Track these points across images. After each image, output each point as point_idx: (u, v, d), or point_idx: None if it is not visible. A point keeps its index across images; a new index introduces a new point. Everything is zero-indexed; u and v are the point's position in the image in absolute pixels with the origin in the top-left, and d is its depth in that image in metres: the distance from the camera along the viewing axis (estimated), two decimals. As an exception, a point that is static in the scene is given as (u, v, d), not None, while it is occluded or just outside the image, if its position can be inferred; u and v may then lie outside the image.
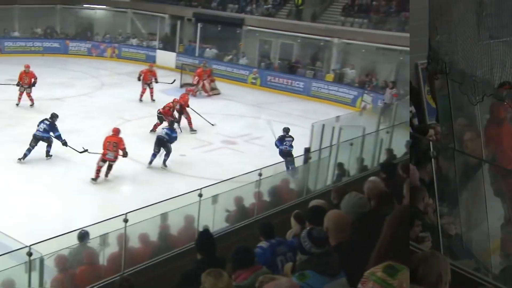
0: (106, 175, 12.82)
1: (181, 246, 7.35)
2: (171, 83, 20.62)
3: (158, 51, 27.91)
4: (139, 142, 15.25)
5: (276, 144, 13.46)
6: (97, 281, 6.52)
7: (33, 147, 13.47)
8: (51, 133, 13.72)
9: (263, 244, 5.28)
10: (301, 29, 25.01)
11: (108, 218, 6.88)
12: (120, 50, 28.84)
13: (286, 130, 13.52)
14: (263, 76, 24.79)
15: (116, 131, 13.10)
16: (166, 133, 13.91)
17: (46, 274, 6.12)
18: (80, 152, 13.29)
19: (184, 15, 28.59)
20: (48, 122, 13.82)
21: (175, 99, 17.34)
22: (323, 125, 11.61)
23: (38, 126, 13.66)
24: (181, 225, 7.95)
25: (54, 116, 14.05)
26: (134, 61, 27.41)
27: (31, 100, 18.48)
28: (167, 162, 13.72)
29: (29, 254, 5.74)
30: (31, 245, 5.77)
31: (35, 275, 5.87)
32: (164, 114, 16.55)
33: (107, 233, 6.85)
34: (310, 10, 25.75)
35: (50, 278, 6.48)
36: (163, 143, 13.83)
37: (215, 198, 7.88)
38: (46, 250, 6.04)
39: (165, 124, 15.57)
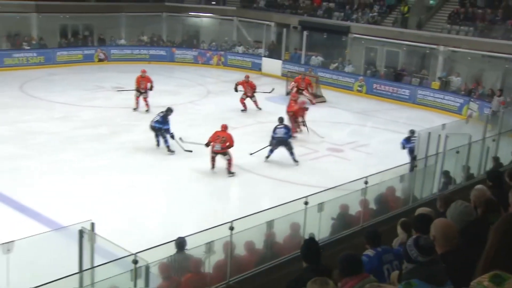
0: (229, 172, 13.68)
1: (287, 254, 7.36)
2: (270, 92, 20.71)
3: (263, 58, 28.36)
4: (244, 150, 15.66)
5: (402, 144, 14.09)
6: (203, 289, 6.49)
7: (156, 137, 15.14)
8: (162, 126, 14.82)
9: (369, 252, 5.29)
10: (407, 37, 24.64)
11: (213, 226, 6.96)
12: (226, 57, 29.50)
13: (412, 131, 14.17)
14: (369, 84, 24.59)
15: (225, 127, 14.10)
16: (285, 133, 14.80)
17: (151, 282, 6.09)
18: (185, 150, 14.34)
19: (290, 23, 28.89)
20: (161, 114, 15.12)
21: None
22: (429, 133, 11.39)
23: (154, 117, 15.06)
24: (287, 233, 7.99)
25: (168, 110, 15.33)
26: (240, 69, 27.90)
27: (147, 105, 19.19)
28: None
29: (135, 261, 5.67)
30: (137, 252, 5.76)
31: (140, 283, 5.84)
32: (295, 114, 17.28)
33: (213, 241, 6.85)
34: (415, 18, 25.28)
35: (155, 285, 6.54)
36: (284, 142, 14.68)
37: (321, 206, 7.89)
38: (152, 257, 6.05)
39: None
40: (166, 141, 14.99)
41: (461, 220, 4.60)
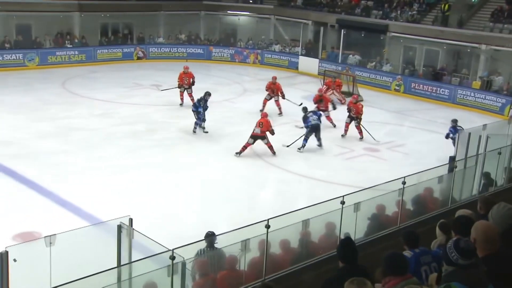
0: (272, 151, 15.02)
1: (322, 254, 7.34)
2: (299, 105, 18.15)
3: (300, 57, 28.27)
4: (281, 149, 15.71)
5: (450, 132, 15.22)
6: (238, 286, 6.52)
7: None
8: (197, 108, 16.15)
9: (407, 253, 5.23)
10: (447, 36, 24.23)
11: (250, 223, 6.97)
12: (262, 56, 29.47)
13: (455, 121, 15.25)
14: (407, 83, 24.28)
15: (265, 115, 15.61)
16: (317, 119, 15.77)
17: (188, 278, 6.15)
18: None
19: (327, 21, 28.74)
20: (199, 98, 16.46)
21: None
22: (469, 134, 11.21)
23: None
24: (323, 232, 7.96)
25: (206, 94, 16.80)
26: (277, 67, 27.94)
27: (192, 100, 19.16)
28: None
29: (172, 258, 5.71)
30: (174, 249, 5.79)
31: (177, 279, 5.87)
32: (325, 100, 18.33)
33: (248, 239, 6.85)
34: (456, 16, 24.86)
35: (191, 282, 6.62)
36: (318, 128, 15.71)
37: (357, 206, 7.84)
38: (189, 254, 6.11)
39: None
40: (198, 120, 16.50)
41: (504, 223, 4.50)
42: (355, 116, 17.08)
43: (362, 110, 17.18)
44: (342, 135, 17.25)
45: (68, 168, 13.41)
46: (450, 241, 3.80)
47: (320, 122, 15.92)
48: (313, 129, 15.59)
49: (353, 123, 17.12)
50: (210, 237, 7.56)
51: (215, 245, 7.41)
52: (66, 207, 11.18)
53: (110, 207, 10.82)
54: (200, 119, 16.64)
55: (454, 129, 14.95)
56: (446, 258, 3.71)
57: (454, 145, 13.74)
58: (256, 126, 15.11)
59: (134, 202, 11.32)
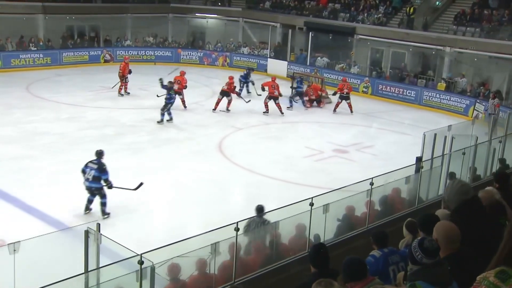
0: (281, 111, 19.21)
1: (292, 255, 7.39)
2: (247, 102, 20.81)
3: (269, 59, 28.44)
4: (250, 152, 15.77)
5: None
6: (208, 290, 6.46)
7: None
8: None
9: (376, 253, 5.30)
10: (413, 38, 24.68)
11: (219, 226, 6.94)
12: (231, 58, 29.61)
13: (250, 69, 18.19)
14: (374, 85, 24.59)
15: (274, 78, 19.58)
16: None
17: (157, 283, 6.03)
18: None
19: (295, 24, 28.96)
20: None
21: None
22: (435, 134, 11.37)
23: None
24: (293, 234, 8.04)
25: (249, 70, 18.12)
26: (245, 70, 27.91)
27: (183, 103, 20.22)
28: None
29: (140, 262, 5.64)
30: (142, 253, 5.73)
31: (146, 284, 5.81)
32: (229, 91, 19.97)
33: (218, 242, 6.82)
34: (421, 19, 25.29)
35: (161, 286, 6.48)
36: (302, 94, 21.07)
37: (326, 207, 7.89)
38: (157, 258, 6.01)
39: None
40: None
41: (458, 199, 4.55)
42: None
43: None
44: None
45: (33, 174, 13.17)
46: (415, 240, 3.84)
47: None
48: (298, 94, 20.62)
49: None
50: (261, 209, 8.72)
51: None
52: (32, 213, 10.97)
53: (78, 213, 10.67)
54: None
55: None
56: (411, 257, 3.75)
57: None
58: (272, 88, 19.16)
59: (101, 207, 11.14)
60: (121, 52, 28.79)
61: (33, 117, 17.88)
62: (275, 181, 13.60)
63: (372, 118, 20.71)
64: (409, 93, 23.51)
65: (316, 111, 21.25)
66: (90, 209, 11.07)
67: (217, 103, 19.88)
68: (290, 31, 28.33)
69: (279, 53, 28.99)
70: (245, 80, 23.23)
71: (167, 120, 17.96)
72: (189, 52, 29.92)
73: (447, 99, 22.29)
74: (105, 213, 10.96)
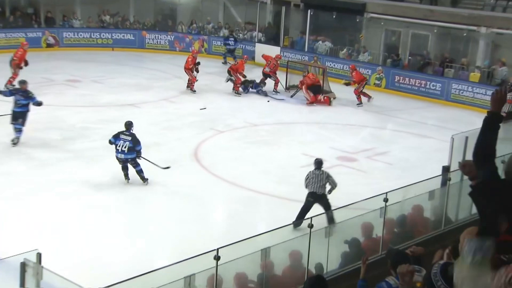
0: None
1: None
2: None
3: (257, 44, 28.47)
4: (234, 160, 15.80)
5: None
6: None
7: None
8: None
9: (392, 280, 5.32)
10: (439, 17, 24.83)
11: (195, 255, 7.00)
12: (210, 43, 29.62)
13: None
14: (389, 76, 24.73)
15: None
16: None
17: None
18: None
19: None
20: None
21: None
22: (466, 137, 11.42)
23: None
24: (287, 264, 8.07)
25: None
26: (228, 58, 27.98)
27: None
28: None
29: None
30: None
31: None
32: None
33: (194, 274, 6.90)
34: (449, -8, 25.46)
35: None
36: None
37: (329, 230, 7.96)
38: None
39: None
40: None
41: None
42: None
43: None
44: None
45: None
46: (436, 265, 3.87)
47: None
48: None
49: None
50: (320, 162, 12.02)
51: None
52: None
53: (12, 240, 10.64)
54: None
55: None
56: (429, 285, 3.77)
57: None
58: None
59: (45, 233, 11.12)
60: (68, 35, 28.75)
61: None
62: (266, 197, 13.63)
63: (387, 118, 20.82)
64: (433, 86, 23.67)
65: (316, 109, 21.34)
66: (129, 178, 13.83)
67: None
68: (283, 8, 28.40)
69: (270, 37, 29.07)
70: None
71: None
72: (157, 35, 29.94)
73: (482, 93, 22.38)
74: (145, 179, 13.79)
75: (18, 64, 21.33)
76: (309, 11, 27.39)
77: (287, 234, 7.97)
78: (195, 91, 22.33)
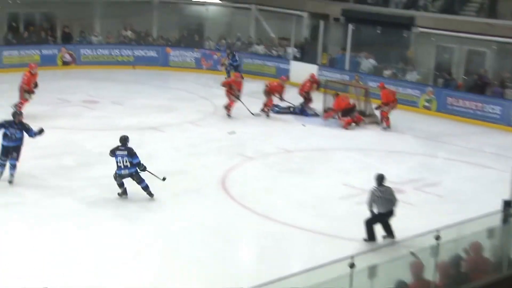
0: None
1: None
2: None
3: (292, 62, 28.54)
4: (265, 190, 15.76)
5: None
6: None
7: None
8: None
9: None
10: (498, 31, 24.62)
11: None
12: (240, 61, 29.51)
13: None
14: (441, 98, 24.56)
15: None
16: None
17: None
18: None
19: (329, 13, 29.14)
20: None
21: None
22: (532, 168, 11.31)
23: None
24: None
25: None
26: (260, 77, 27.99)
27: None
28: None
29: None
30: None
31: None
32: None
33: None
34: (510, 4, 25.21)
35: None
36: None
37: (373, 270, 7.85)
38: None
39: None
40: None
41: None
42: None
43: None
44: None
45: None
46: None
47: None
48: None
49: None
50: (382, 177, 12.60)
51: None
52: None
53: (20, 277, 10.65)
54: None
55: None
56: None
57: None
58: None
59: (57, 271, 11.12)
60: (86, 52, 29.07)
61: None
62: (301, 232, 13.50)
63: (438, 144, 20.60)
64: (492, 109, 23.46)
65: (356, 134, 21.20)
66: (127, 194, 14.61)
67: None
68: (322, 22, 28.42)
69: (306, 54, 29.08)
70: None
71: None
72: (182, 52, 30.18)
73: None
74: (151, 194, 14.52)
75: (26, 89, 20.97)
76: (350, 25, 27.37)
77: (325, 274, 7.81)
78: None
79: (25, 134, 15.18)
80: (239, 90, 22.51)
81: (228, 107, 22.28)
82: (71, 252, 12.00)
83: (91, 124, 20.52)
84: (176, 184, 15.68)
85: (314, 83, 24.00)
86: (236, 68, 27.59)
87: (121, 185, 14.55)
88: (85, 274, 11.21)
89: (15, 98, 22.67)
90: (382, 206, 12.42)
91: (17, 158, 15.07)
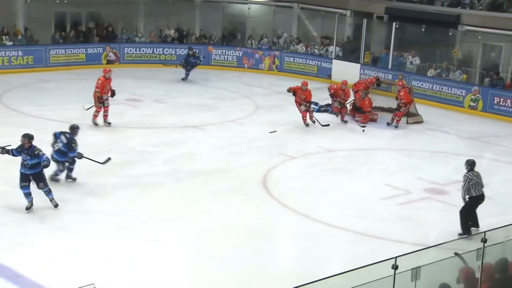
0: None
1: None
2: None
3: (335, 61, 28.53)
4: (307, 190, 15.70)
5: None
6: None
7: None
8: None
9: None
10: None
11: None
12: (281, 60, 29.80)
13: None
14: (487, 97, 24.26)
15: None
16: None
17: None
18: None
19: (372, 11, 29.02)
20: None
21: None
22: None
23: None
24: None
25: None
26: (301, 76, 27.96)
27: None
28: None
29: None
30: None
31: None
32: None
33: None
34: None
35: None
36: None
37: (416, 272, 7.77)
38: None
39: None
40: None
41: None
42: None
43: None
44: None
45: (3, 218, 13.33)
46: None
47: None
48: None
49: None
50: (473, 163, 13.14)
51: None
52: (2, 273, 11.09)
53: (65, 274, 10.74)
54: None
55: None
56: None
57: None
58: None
59: (100, 266, 11.22)
60: (130, 50, 29.32)
61: (8, 139, 18.07)
62: (342, 232, 13.44)
63: (484, 145, 20.36)
64: (542, 109, 23.20)
65: (400, 134, 21.02)
66: (57, 180, 14.99)
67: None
68: (365, 21, 28.34)
69: (349, 52, 28.98)
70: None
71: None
72: (224, 51, 30.30)
73: None
74: (71, 178, 15.17)
75: (99, 95, 19.87)
76: (394, 23, 27.23)
77: (367, 276, 7.74)
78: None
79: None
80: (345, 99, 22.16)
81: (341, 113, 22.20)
82: (112, 250, 12.09)
83: (134, 122, 20.66)
84: (217, 183, 15.73)
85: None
86: (193, 66, 27.56)
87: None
88: (129, 272, 11.30)
89: (61, 97, 23.05)
90: (477, 189, 12.77)
91: (44, 186, 13.59)
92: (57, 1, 28.94)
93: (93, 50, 28.79)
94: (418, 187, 16.16)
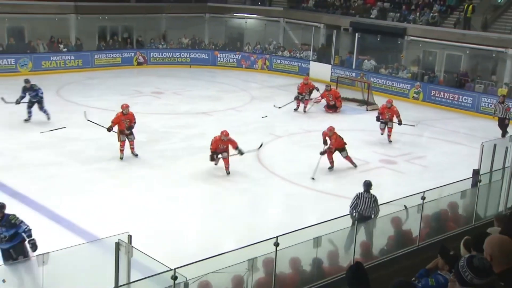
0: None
1: (334, 275, 7.37)
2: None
3: (312, 62, 28.31)
4: (291, 161, 15.72)
5: None
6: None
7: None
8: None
9: (448, 275, 5.06)
10: (470, 39, 24.24)
11: (257, 241, 6.97)
12: (271, 61, 29.63)
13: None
14: (426, 90, 24.25)
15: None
16: None
17: None
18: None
19: (340, 24, 28.82)
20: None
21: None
22: (495, 145, 11.13)
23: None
24: (335, 251, 7.96)
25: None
26: (286, 74, 28.22)
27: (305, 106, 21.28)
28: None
29: (174, 278, 5.71)
30: (176, 268, 5.75)
31: None
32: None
33: (256, 257, 6.86)
34: (480, 18, 24.80)
35: None
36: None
37: (372, 224, 7.84)
38: (191, 274, 6.03)
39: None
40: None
41: None
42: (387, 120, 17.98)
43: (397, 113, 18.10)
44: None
45: (62, 182, 13.41)
46: (462, 258, 3.67)
47: None
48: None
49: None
50: (369, 184, 10.25)
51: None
52: (60, 222, 11.17)
53: (108, 223, 10.81)
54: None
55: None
56: (459, 278, 3.58)
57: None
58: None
59: (133, 218, 11.32)
60: (155, 54, 29.18)
61: (63, 122, 18.17)
62: (314, 192, 13.59)
63: (423, 127, 20.35)
64: (465, 99, 23.12)
65: (362, 117, 21.09)
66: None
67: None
68: (334, 32, 28.19)
69: (322, 56, 28.88)
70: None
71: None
72: (227, 55, 30.06)
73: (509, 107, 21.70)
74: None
75: (300, 92, 21.26)
76: (357, 34, 27.11)
77: (336, 225, 7.82)
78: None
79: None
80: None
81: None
82: (144, 206, 12.20)
83: (158, 109, 20.63)
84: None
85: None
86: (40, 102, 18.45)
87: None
88: (154, 221, 11.39)
89: (102, 90, 23.02)
90: (361, 208, 10.02)
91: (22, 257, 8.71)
92: (100, 18, 28.73)
93: (127, 55, 28.60)
94: (375, 158, 16.25)
